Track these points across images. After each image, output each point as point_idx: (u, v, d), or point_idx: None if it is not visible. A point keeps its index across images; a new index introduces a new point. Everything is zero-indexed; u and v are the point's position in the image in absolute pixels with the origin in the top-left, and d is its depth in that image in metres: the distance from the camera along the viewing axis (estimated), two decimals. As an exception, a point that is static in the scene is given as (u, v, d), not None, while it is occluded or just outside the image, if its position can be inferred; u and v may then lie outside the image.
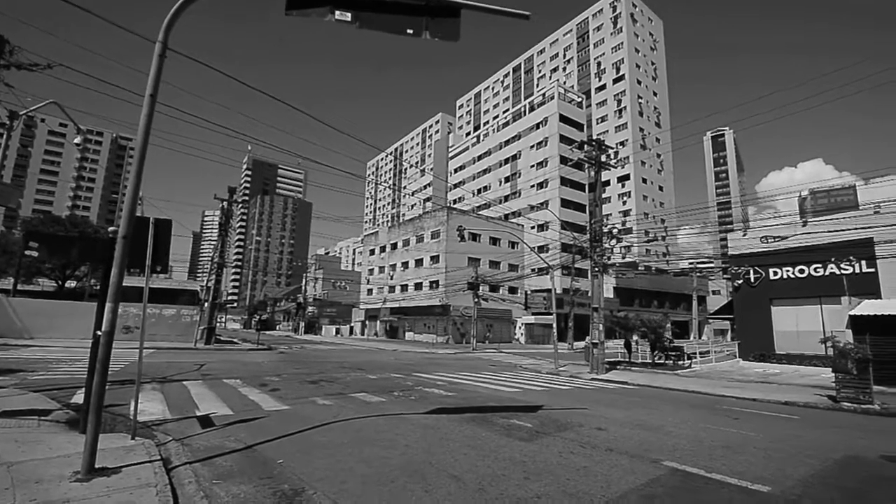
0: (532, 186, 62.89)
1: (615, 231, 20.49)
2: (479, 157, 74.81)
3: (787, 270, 21.97)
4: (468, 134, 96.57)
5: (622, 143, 69.71)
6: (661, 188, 73.72)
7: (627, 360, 24.01)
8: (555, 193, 59.49)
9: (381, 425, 7.34)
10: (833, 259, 20.16)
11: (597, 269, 18.66)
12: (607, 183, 69.73)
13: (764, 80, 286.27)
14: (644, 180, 70.91)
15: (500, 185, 68.89)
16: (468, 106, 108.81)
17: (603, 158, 19.98)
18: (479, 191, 71.63)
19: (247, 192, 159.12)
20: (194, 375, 12.99)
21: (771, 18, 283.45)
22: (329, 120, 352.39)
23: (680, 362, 22.13)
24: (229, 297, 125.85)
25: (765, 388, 14.37)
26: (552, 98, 63.86)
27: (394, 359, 23.33)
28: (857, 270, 19.70)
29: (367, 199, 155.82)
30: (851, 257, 19.56)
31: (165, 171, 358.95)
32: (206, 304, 27.32)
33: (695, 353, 23.52)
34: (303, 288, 67.48)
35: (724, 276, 26.09)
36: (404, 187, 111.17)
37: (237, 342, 32.12)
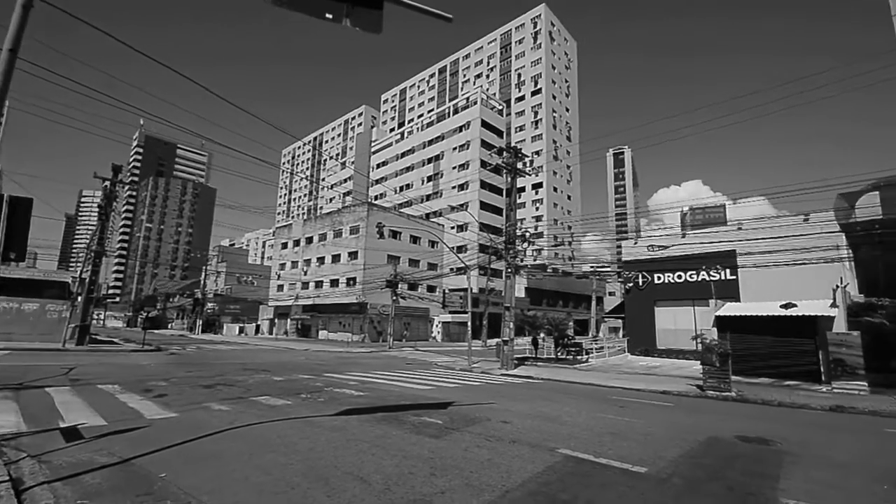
0: (454, 188, 64.21)
1: (528, 235, 21.69)
2: (403, 155, 74.52)
3: (669, 276, 25.04)
4: (392, 130, 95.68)
5: (537, 153, 74.08)
6: (569, 197, 79.68)
7: (534, 355, 25.59)
8: (475, 196, 61.36)
9: (283, 430, 6.94)
10: (704, 267, 23.40)
11: (510, 270, 19.58)
12: (523, 189, 73.56)
13: (663, 105, 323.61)
14: (555, 189, 76.08)
15: (423, 183, 69.29)
16: (393, 101, 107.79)
17: (519, 166, 21.01)
18: (401, 188, 71.32)
19: (136, 171, 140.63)
20: (61, 381, 11.16)
21: (671, 49, 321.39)
22: (242, 103, 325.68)
23: (579, 357, 24.11)
24: (110, 291, 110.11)
25: (647, 379, 16.21)
26: (475, 103, 65.79)
27: (304, 359, 22.26)
28: (723, 277, 23.08)
29: (282, 189, 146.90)
30: (718, 266, 22.87)
31: (38, 145, 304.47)
32: (79, 299, 23.62)
33: (591, 349, 25.76)
34: (202, 282, 61.53)
35: (619, 279, 29.04)
36: (323, 179, 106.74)
37: (118, 342, 28.26)
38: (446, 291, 43.75)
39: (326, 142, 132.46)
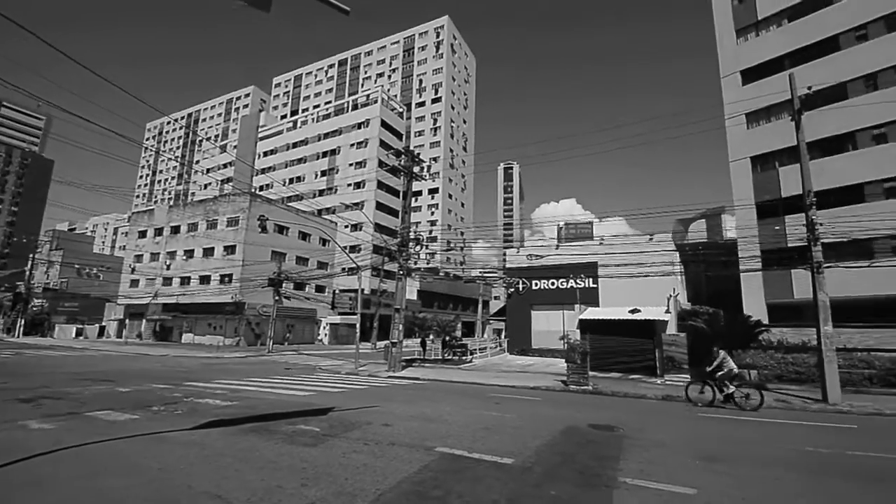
0: (349, 185, 62.33)
1: (422, 238, 22.03)
2: (295, 145, 70.11)
3: (545, 283, 27.62)
4: (284, 117, 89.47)
5: (435, 159, 75.92)
6: (463, 205, 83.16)
7: (422, 357, 26.02)
8: (371, 195, 60.37)
9: (126, 449, 5.94)
10: (571, 276, 26.31)
11: (402, 272, 19.65)
12: (419, 193, 74.64)
13: (552, 125, 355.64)
14: (450, 196, 78.75)
15: (316, 178, 65.98)
16: (287, 87, 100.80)
17: (416, 170, 21.26)
18: (291, 181, 66.92)
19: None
20: None
21: (562, 67, 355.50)
22: (98, 64, 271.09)
23: (464, 358, 25.18)
24: None
25: (522, 376, 17.60)
26: (376, 102, 64.91)
27: (161, 365, 19.46)
28: (587, 285, 26.18)
29: (143, 168, 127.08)
30: (582, 275, 25.90)
31: None
32: None
33: (475, 350, 27.12)
34: (27, 273, 50.04)
35: (503, 284, 31.18)
36: (197, 162, 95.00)
37: None
38: (336, 292, 42.19)
39: (204, 120, 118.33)
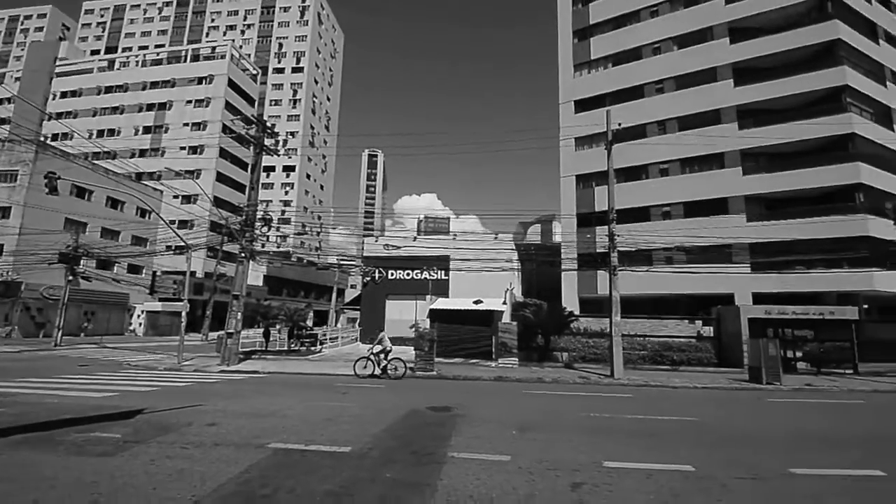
0: (183, 149, 53.30)
1: (271, 217, 20.22)
2: (110, 90, 56.94)
3: (401, 273, 28.21)
4: (96, 53, 71.87)
5: (293, 134, 70.34)
6: (322, 187, 79.06)
7: (264, 348, 24.03)
8: (211, 164, 52.74)
9: None
10: (425, 267, 27.46)
11: (244, 254, 17.75)
12: (272, 168, 68.42)
13: (419, 116, 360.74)
14: (308, 176, 74.02)
15: (137, 134, 54.71)
16: (103, 16, 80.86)
17: (270, 143, 19.39)
18: (101, 133, 54.20)
19: None
20: None
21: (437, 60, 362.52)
22: None
23: (313, 348, 24.13)
24: None
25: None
26: (223, 57, 56.79)
27: None
28: (439, 277, 27.63)
29: None
30: (435, 267, 27.27)
31: None
32: None
33: (326, 339, 26.22)
34: None
35: (360, 273, 30.81)
36: (-49, 91, 69.61)
37: None
38: (158, 274, 35.84)
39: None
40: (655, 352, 19.91)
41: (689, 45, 29.16)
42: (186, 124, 54.25)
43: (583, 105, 31.44)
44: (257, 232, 18.68)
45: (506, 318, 22.52)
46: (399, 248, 27.44)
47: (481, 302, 21.17)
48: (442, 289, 27.03)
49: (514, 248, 28.51)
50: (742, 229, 25.32)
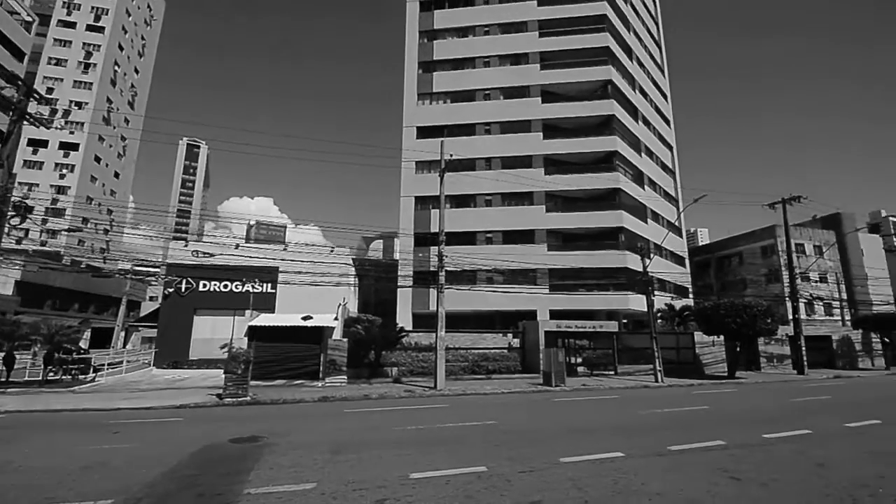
0: None
1: (27, 205, 15.46)
2: None
3: (215, 284, 24.73)
4: None
5: (79, 105, 56.08)
6: (117, 175, 64.45)
7: (5, 379, 17.88)
8: (-66, 126, 37.98)
9: None
10: (245, 279, 24.77)
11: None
12: (43, 144, 53.18)
13: (252, 116, 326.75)
14: (98, 159, 59.52)
15: None
16: None
17: (33, 109, 14.95)
18: None
19: None
20: None
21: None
22: None
23: (82, 377, 19.06)
24: None
25: (166, 394, 14.85)
26: (-26, -11, 42.19)
27: None
28: (264, 290, 25.19)
29: None
30: (257, 279, 24.84)
31: None
32: None
33: (104, 365, 21.00)
34: None
35: (162, 282, 25.79)
36: None
37: None
38: None
39: None
40: (475, 362, 21.91)
41: (512, 97, 33.99)
42: None
43: (424, 132, 33.42)
44: (8, 222, 14.05)
45: (337, 335, 21.77)
46: (213, 255, 24.13)
47: (311, 318, 19.99)
48: (268, 303, 24.70)
49: (350, 262, 28.05)
50: (544, 257, 30.20)
